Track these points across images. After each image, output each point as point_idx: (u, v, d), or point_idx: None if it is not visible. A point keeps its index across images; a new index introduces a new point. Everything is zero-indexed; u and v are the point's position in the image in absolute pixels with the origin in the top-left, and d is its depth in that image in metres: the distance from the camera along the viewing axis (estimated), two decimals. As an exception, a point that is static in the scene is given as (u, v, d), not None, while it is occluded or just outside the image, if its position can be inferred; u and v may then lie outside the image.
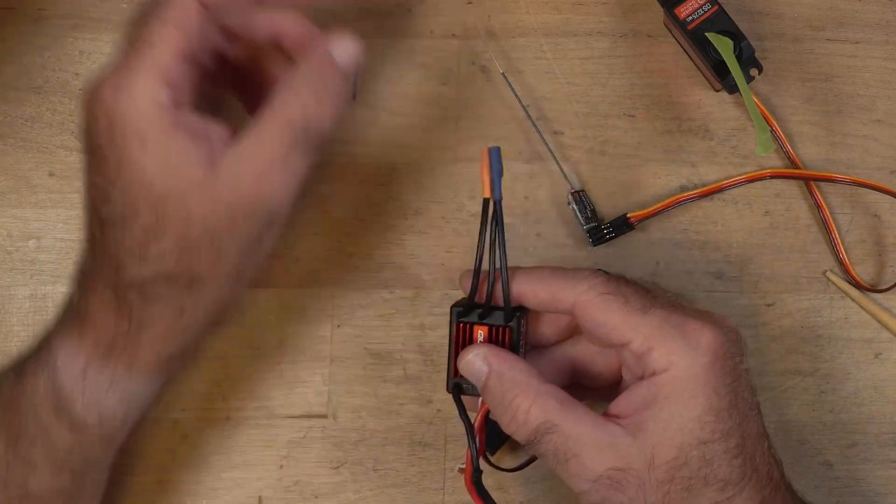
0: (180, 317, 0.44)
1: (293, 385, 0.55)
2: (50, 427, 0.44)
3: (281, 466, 0.54)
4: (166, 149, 0.41)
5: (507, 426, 0.44)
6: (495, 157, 0.43)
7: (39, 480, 0.44)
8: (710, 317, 0.44)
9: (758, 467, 0.42)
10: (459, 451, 0.54)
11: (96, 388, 0.44)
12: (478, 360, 0.45)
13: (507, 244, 0.52)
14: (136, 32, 0.43)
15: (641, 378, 0.43)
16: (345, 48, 0.45)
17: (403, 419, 0.54)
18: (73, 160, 0.56)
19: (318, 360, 0.55)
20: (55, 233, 0.55)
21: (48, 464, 0.44)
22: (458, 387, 0.46)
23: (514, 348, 0.45)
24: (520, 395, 0.43)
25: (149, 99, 0.41)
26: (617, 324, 0.43)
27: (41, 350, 0.45)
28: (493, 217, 0.44)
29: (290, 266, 0.55)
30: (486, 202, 0.44)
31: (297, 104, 0.43)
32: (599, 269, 0.45)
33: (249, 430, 0.54)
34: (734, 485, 0.41)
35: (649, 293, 0.44)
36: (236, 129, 0.44)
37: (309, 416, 0.54)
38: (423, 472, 0.54)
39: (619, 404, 0.43)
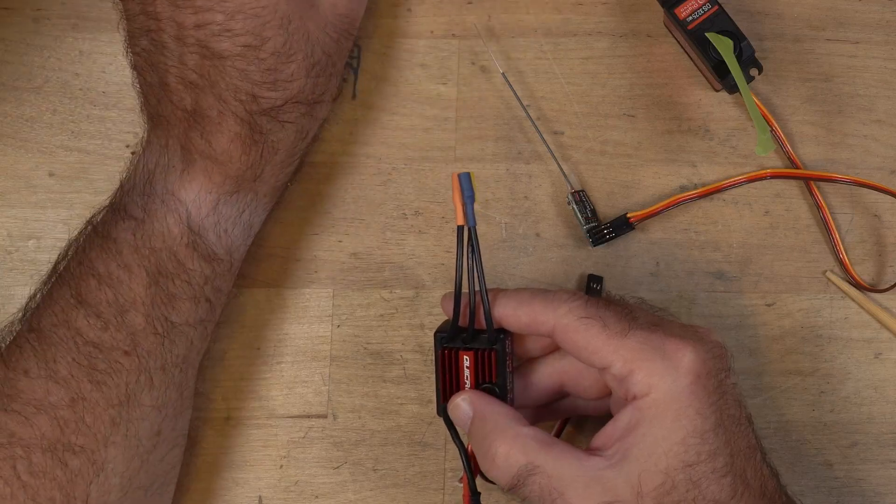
0: (301, 140, 0.48)
1: (293, 385, 0.55)
2: (187, 262, 0.47)
3: (281, 466, 0.54)
4: None
5: (489, 472, 0.44)
6: (465, 182, 0.43)
7: (181, 312, 0.47)
8: (693, 333, 0.44)
9: (749, 482, 0.42)
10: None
11: (226, 220, 0.48)
12: (463, 405, 0.45)
13: (504, 243, 0.53)
14: None
15: (625, 401, 0.43)
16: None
17: (403, 419, 0.54)
18: (72, 160, 0.56)
19: (318, 359, 0.55)
20: (55, 233, 0.55)
21: (189, 297, 0.47)
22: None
23: (500, 369, 0.45)
24: (498, 438, 0.43)
25: None
26: (597, 348, 0.43)
27: (167, 196, 0.47)
28: (468, 243, 0.44)
29: (290, 266, 0.55)
30: (460, 229, 0.44)
31: None
32: (580, 290, 0.45)
33: (249, 430, 0.54)
34: None
35: (629, 314, 0.44)
36: None
37: (309, 416, 0.54)
38: (423, 472, 0.54)
39: (603, 435, 0.43)
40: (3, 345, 0.46)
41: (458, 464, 0.54)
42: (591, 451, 0.43)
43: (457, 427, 0.46)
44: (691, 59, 0.56)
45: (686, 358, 0.42)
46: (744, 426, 0.43)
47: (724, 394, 0.42)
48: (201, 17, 0.45)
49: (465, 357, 0.46)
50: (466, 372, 0.46)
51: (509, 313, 0.45)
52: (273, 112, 0.46)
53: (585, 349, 0.43)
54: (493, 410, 0.44)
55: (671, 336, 0.43)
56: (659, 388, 0.41)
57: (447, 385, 0.47)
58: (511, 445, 0.43)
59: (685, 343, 0.42)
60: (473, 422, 0.45)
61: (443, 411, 0.47)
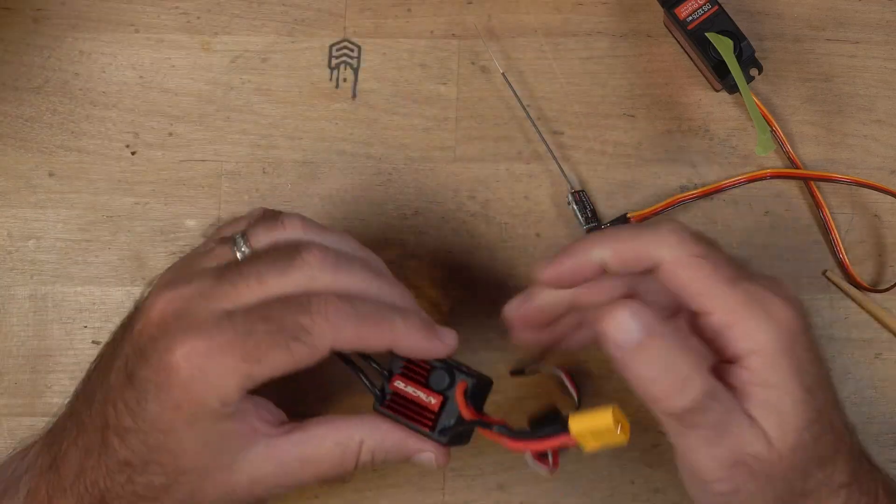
0: None
1: (293, 385, 0.54)
2: None
3: (281, 466, 0.54)
4: (211, 433, 0.41)
5: (662, 390, 0.39)
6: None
7: None
8: (784, 288, 0.41)
9: (843, 437, 0.41)
10: (459, 451, 0.54)
11: None
12: (634, 320, 0.39)
13: (504, 243, 0.53)
14: (270, 334, 0.41)
15: (722, 356, 0.40)
16: (427, 461, 0.45)
17: (403, 419, 0.54)
18: (72, 160, 0.56)
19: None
20: (55, 233, 0.55)
21: None
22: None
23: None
24: (683, 357, 0.39)
25: (218, 399, 0.41)
26: (702, 290, 0.40)
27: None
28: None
29: (290, 266, 0.55)
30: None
31: (352, 459, 0.44)
32: (679, 222, 0.42)
33: (249, 430, 0.54)
34: (832, 459, 0.40)
35: (736, 262, 0.41)
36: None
37: (309, 416, 0.54)
38: (423, 472, 0.54)
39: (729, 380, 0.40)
40: None
41: (458, 464, 0.54)
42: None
43: (611, 348, 0.40)
44: (691, 59, 0.56)
45: (785, 313, 0.40)
46: (830, 379, 0.42)
47: (816, 348, 0.41)
48: (118, 406, 0.42)
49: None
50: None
51: (612, 252, 0.42)
52: None
53: (688, 289, 0.40)
54: (669, 327, 0.40)
55: (771, 291, 0.40)
56: (766, 344, 0.39)
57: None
58: (695, 366, 0.39)
59: (785, 299, 0.40)
60: (647, 342, 0.39)
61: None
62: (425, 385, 0.45)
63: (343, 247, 0.45)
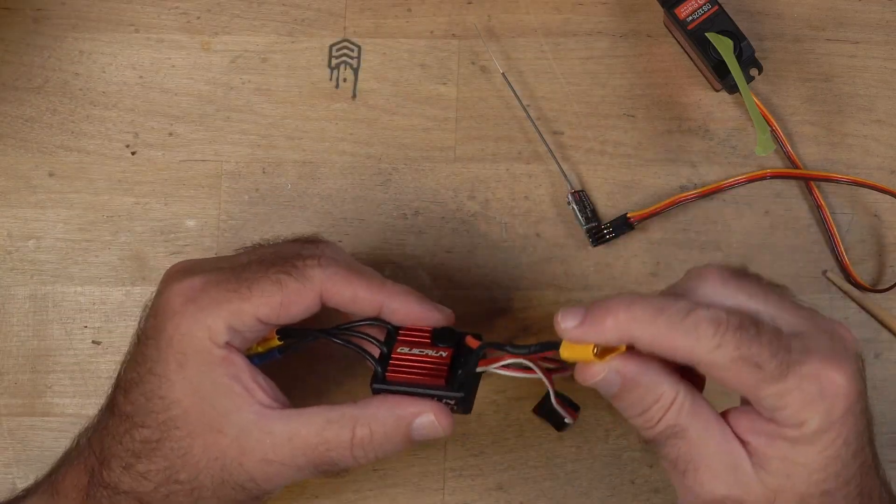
0: None
1: (293, 385, 0.54)
2: None
3: (281, 466, 0.54)
4: (201, 379, 0.41)
5: (639, 424, 0.41)
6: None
7: None
8: (842, 347, 0.40)
9: (871, 495, 0.41)
10: (459, 450, 0.54)
11: None
12: (610, 377, 0.40)
13: (504, 243, 0.53)
14: (260, 269, 0.42)
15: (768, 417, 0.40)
16: (428, 423, 0.43)
17: (403, 419, 0.54)
18: (72, 160, 0.56)
19: (318, 359, 0.54)
20: (55, 233, 0.55)
21: None
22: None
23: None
24: (659, 399, 0.40)
25: (207, 330, 0.41)
26: (750, 388, 0.39)
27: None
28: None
29: (290, 266, 0.55)
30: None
31: (346, 435, 0.42)
32: (718, 310, 0.39)
33: (249, 430, 0.54)
34: None
35: (784, 347, 0.39)
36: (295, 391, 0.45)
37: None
38: (423, 472, 0.54)
39: (742, 424, 0.40)
40: None
41: (457, 463, 0.54)
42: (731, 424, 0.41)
43: (601, 392, 0.41)
44: (691, 59, 0.56)
45: (842, 388, 0.39)
46: (870, 442, 0.42)
47: (866, 414, 0.41)
48: (127, 369, 0.44)
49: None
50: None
51: (645, 342, 0.39)
52: (113, 492, 0.43)
53: (737, 388, 0.39)
54: (646, 371, 0.40)
55: (825, 362, 0.39)
56: (811, 423, 0.39)
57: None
58: (671, 406, 0.40)
59: (840, 370, 0.39)
60: (624, 390, 0.40)
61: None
62: (430, 343, 0.44)
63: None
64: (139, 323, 0.45)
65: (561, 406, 0.45)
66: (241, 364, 0.42)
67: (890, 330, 0.54)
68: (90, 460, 0.44)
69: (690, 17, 0.53)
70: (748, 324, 0.39)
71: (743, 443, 0.40)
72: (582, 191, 0.55)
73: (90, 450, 0.44)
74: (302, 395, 0.54)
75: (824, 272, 0.55)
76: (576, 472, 0.54)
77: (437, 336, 0.44)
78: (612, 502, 0.54)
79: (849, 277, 0.54)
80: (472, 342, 0.44)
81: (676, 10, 0.53)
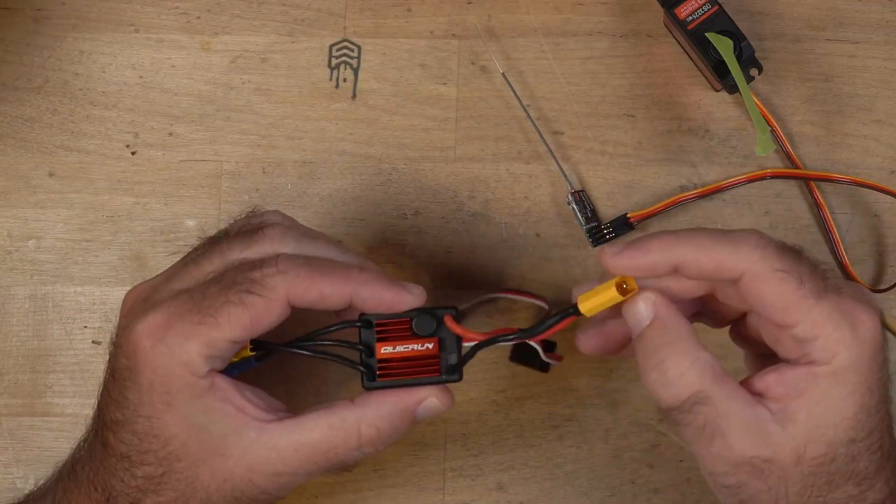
0: None
1: (293, 385, 0.55)
2: None
3: (281, 466, 0.54)
4: (192, 412, 0.41)
5: (655, 383, 0.41)
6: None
7: None
8: (865, 298, 0.41)
9: (889, 454, 0.41)
10: (459, 450, 0.54)
11: None
12: (643, 305, 0.41)
13: (504, 243, 0.52)
14: (221, 292, 0.41)
15: (796, 361, 0.40)
16: (433, 406, 0.43)
17: (403, 419, 0.54)
18: (72, 160, 0.56)
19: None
20: (55, 233, 0.55)
21: None
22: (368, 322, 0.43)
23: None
24: (678, 355, 0.40)
25: (186, 367, 0.41)
26: (787, 305, 0.39)
27: None
28: None
29: (290, 266, 0.55)
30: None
31: (353, 439, 0.42)
32: (761, 233, 0.41)
33: (249, 430, 0.54)
34: (870, 478, 0.40)
35: (822, 272, 0.40)
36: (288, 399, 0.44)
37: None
38: (422, 472, 0.54)
39: (768, 381, 0.40)
40: None
41: (457, 463, 0.54)
42: (753, 391, 0.41)
43: (629, 322, 0.42)
44: (691, 59, 0.56)
45: (871, 330, 0.40)
46: (887, 397, 0.42)
47: (887, 364, 0.41)
48: (108, 406, 0.43)
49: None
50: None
51: (690, 259, 0.40)
52: None
53: (774, 304, 0.40)
54: (678, 322, 0.41)
55: (857, 301, 0.40)
56: (842, 359, 0.39)
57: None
58: (690, 367, 0.40)
59: (869, 313, 0.40)
60: (652, 327, 0.41)
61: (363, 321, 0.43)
62: (412, 336, 0.43)
63: (315, 236, 0.45)
64: (109, 358, 0.43)
65: (550, 357, 0.46)
66: (226, 386, 0.42)
67: (890, 330, 0.54)
68: (94, 495, 0.43)
69: (690, 17, 0.53)
70: (789, 247, 0.40)
71: (770, 399, 0.40)
72: (582, 191, 0.55)
73: (91, 486, 0.43)
74: (304, 395, 0.54)
75: (824, 272, 0.55)
76: (576, 472, 0.54)
77: (418, 327, 0.43)
78: (612, 502, 0.54)
79: (849, 277, 0.54)
80: (469, 335, 0.43)
81: (676, 10, 0.53)
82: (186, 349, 0.40)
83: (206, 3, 0.57)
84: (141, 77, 0.56)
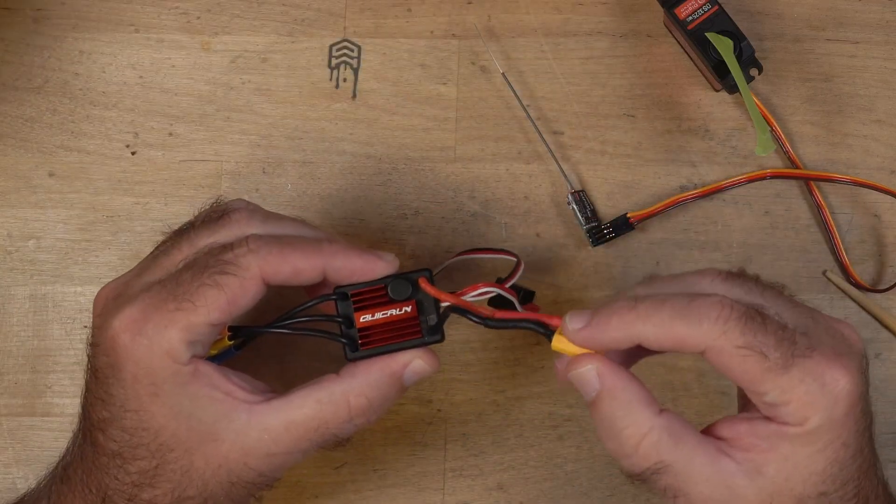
0: None
1: (294, 385, 0.54)
2: None
3: (281, 466, 0.54)
4: (179, 400, 0.41)
5: (613, 453, 0.41)
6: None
7: None
8: (846, 346, 0.41)
9: (868, 497, 0.41)
10: (459, 450, 0.54)
11: None
12: (590, 375, 0.41)
13: (505, 243, 0.53)
14: (195, 276, 0.41)
15: (767, 418, 0.40)
16: (419, 368, 0.43)
17: (403, 419, 0.54)
18: (72, 160, 0.56)
19: (319, 360, 0.55)
20: (55, 233, 0.55)
21: None
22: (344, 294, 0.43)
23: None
24: (631, 426, 0.40)
25: (168, 356, 0.41)
26: (753, 379, 0.39)
27: None
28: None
29: (290, 266, 0.55)
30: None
31: (343, 411, 0.42)
32: (722, 296, 0.40)
33: (249, 430, 0.54)
34: None
35: (789, 339, 0.39)
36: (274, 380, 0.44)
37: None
38: (422, 472, 0.54)
39: (738, 430, 0.40)
40: None
41: (457, 463, 0.54)
42: (719, 437, 0.41)
43: (581, 392, 0.41)
44: (691, 59, 0.56)
45: (844, 388, 0.39)
46: (870, 441, 0.42)
47: (867, 416, 0.41)
48: (93, 405, 0.43)
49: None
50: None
51: (650, 337, 0.40)
52: None
53: (741, 378, 0.39)
54: (626, 388, 0.40)
55: (829, 360, 0.39)
56: (812, 421, 0.39)
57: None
58: (645, 437, 0.40)
59: (844, 369, 0.39)
60: (602, 398, 0.41)
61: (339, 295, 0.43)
62: (389, 301, 0.43)
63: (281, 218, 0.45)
64: (88, 359, 0.43)
65: (527, 308, 0.45)
66: (210, 371, 0.42)
67: (890, 330, 0.54)
68: (89, 497, 0.43)
69: (690, 17, 0.53)
70: (753, 313, 0.39)
71: (738, 449, 0.40)
72: (582, 191, 0.55)
73: (85, 487, 0.43)
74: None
75: (824, 272, 0.55)
76: (576, 472, 0.54)
77: (394, 292, 0.43)
78: (612, 502, 0.54)
79: (849, 277, 0.54)
80: (446, 297, 0.42)
81: (676, 10, 0.53)
82: (167, 337, 0.40)
83: (206, 3, 0.57)
84: (141, 77, 0.56)
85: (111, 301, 0.43)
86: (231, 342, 0.44)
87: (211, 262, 0.41)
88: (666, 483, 0.40)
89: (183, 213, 0.55)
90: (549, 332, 0.42)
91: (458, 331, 0.54)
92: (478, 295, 0.43)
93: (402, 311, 0.43)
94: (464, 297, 0.43)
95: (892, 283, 0.54)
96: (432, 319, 0.43)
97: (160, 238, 0.55)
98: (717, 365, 0.40)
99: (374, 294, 0.43)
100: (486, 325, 0.43)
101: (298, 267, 0.42)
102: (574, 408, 0.54)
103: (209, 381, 0.41)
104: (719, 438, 0.41)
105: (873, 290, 0.54)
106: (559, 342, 0.42)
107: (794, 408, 0.39)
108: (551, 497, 0.54)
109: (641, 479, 0.41)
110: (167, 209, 0.56)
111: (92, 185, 0.56)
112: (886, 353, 0.54)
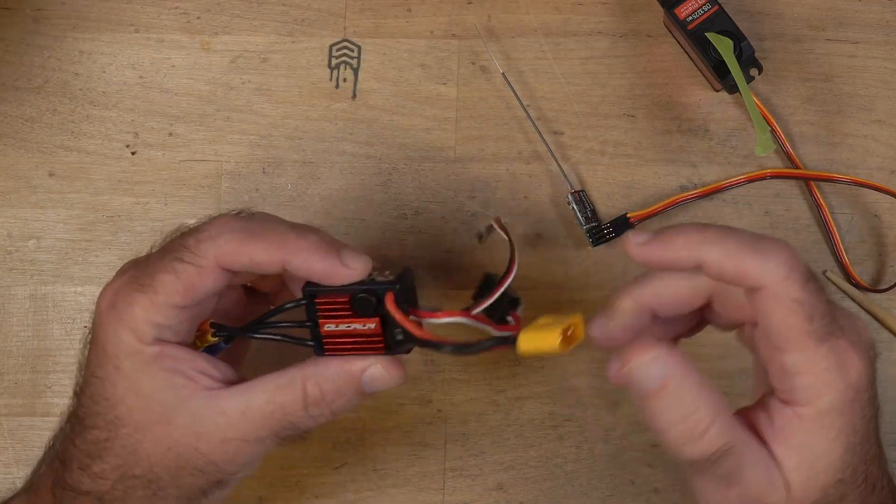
0: None
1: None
2: None
3: (281, 466, 0.54)
4: (139, 378, 0.41)
5: (677, 440, 0.39)
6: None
7: None
8: (857, 333, 0.40)
9: (875, 485, 0.41)
10: (459, 450, 0.54)
11: None
12: (656, 364, 0.39)
13: (505, 243, 0.53)
14: (158, 259, 0.42)
15: (782, 394, 0.40)
16: (378, 376, 0.42)
17: (403, 419, 0.54)
18: (72, 160, 0.56)
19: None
20: (55, 233, 0.55)
21: None
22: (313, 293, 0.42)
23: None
24: (702, 408, 0.39)
25: (132, 332, 0.41)
26: (790, 337, 0.39)
27: None
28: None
29: (290, 266, 0.55)
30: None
31: (299, 396, 0.42)
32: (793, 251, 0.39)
33: (249, 430, 0.54)
34: None
35: (832, 314, 0.39)
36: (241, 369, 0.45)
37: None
38: (422, 472, 0.54)
39: (759, 421, 0.40)
40: None
41: (458, 463, 0.54)
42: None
43: (635, 390, 0.39)
44: (691, 59, 0.56)
45: (857, 373, 0.39)
46: (876, 431, 0.42)
47: (872, 400, 0.41)
48: (80, 373, 0.44)
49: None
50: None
51: (714, 261, 0.39)
52: (75, 495, 0.43)
53: (779, 328, 0.39)
54: (692, 373, 0.39)
55: (851, 345, 0.39)
56: (825, 401, 0.39)
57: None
58: (713, 422, 0.39)
59: (860, 354, 0.39)
60: (667, 388, 0.39)
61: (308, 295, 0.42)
62: (353, 315, 0.41)
63: None
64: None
65: (503, 329, 0.42)
66: (179, 355, 0.42)
67: (890, 330, 0.54)
68: (55, 464, 0.44)
69: (690, 17, 0.53)
70: (814, 276, 0.39)
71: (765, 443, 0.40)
72: (582, 191, 0.55)
73: (55, 452, 0.44)
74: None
75: (824, 272, 0.55)
76: (576, 472, 0.54)
77: (357, 307, 0.41)
78: (611, 502, 0.54)
79: (849, 277, 0.54)
80: (410, 328, 0.40)
81: (676, 10, 0.53)
82: (132, 314, 0.41)
83: (206, 3, 0.57)
84: (141, 77, 0.56)
85: (116, 274, 0.44)
86: (215, 339, 0.44)
87: (174, 246, 0.42)
88: (730, 467, 0.39)
89: (183, 213, 0.55)
90: (512, 339, 0.40)
91: (458, 331, 0.54)
92: (445, 323, 0.41)
93: (366, 327, 0.41)
94: (436, 320, 0.41)
95: (892, 283, 0.54)
96: (399, 334, 0.41)
97: (160, 238, 0.55)
98: (764, 308, 0.39)
99: (338, 304, 0.41)
100: (451, 354, 0.41)
101: (255, 258, 0.41)
102: (574, 408, 0.54)
103: (174, 365, 0.42)
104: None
105: (873, 290, 0.54)
106: (526, 343, 0.39)
107: (811, 382, 0.39)
108: (551, 497, 0.54)
109: (705, 465, 0.39)
110: (167, 209, 0.56)
111: (92, 185, 0.56)
112: (886, 353, 0.54)
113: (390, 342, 0.41)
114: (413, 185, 0.56)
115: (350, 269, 0.41)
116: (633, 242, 0.40)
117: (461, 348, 0.40)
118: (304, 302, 0.42)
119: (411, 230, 0.55)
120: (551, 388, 0.54)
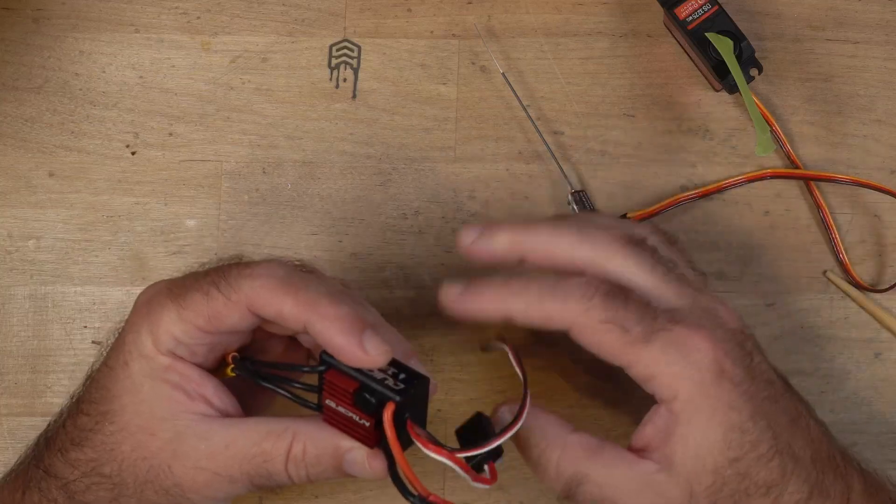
0: None
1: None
2: None
3: (281, 466, 0.54)
4: (142, 383, 0.42)
5: (539, 477, 0.43)
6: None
7: None
8: (713, 319, 0.42)
9: (798, 455, 0.41)
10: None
11: None
12: (507, 415, 0.43)
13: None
14: (201, 277, 0.42)
15: (662, 408, 0.42)
16: (359, 462, 0.42)
17: (403, 419, 0.54)
18: (72, 160, 0.56)
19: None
20: (55, 233, 0.55)
21: None
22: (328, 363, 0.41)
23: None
24: (548, 448, 0.42)
25: (151, 336, 0.42)
26: (616, 352, 0.41)
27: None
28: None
29: (290, 266, 0.55)
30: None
31: (284, 448, 0.41)
32: (592, 278, 0.42)
33: (249, 430, 0.54)
34: (777, 485, 0.41)
35: (651, 313, 0.41)
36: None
37: (309, 416, 0.54)
38: (423, 472, 0.54)
39: (643, 437, 0.42)
40: None
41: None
42: (635, 450, 0.42)
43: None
44: (691, 59, 0.56)
45: (707, 355, 0.40)
46: (782, 399, 0.42)
47: (755, 378, 0.41)
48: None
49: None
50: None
51: (519, 312, 0.42)
52: (57, 480, 0.43)
53: (606, 352, 0.41)
54: (539, 418, 0.43)
55: (690, 331, 0.41)
56: (684, 390, 0.40)
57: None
58: (561, 455, 0.42)
59: (705, 338, 0.41)
60: (520, 432, 0.43)
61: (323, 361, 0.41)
62: (352, 404, 0.40)
63: None
64: None
65: (479, 480, 0.42)
66: (188, 373, 0.42)
67: (890, 330, 0.54)
68: (40, 441, 0.45)
69: (690, 17, 0.53)
70: (617, 290, 0.41)
71: (653, 451, 0.41)
72: (582, 191, 0.55)
73: (45, 432, 0.45)
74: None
75: (824, 272, 0.55)
76: (576, 472, 0.54)
77: (357, 401, 0.40)
78: (612, 502, 0.54)
79: (849, 277, 0.54)
80: (395, 454, 0.40)
81: (676, 10, 0.53)
82: (159, 318, 0.42)
83: (206, 3, 0.57)
84: (141, 77, 0.56)
85: (161, 281, 0.45)
86: (232, 374, 0.44)
87: (218, 273, 0.42)
88: (591, 494, 0.41)
89: (183, 213, 0.55)
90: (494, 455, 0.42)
91: (455, 331, 0.54)
92: (429, 455, 0.41)
93: (361, 421, 0.41)
94: (423, 448, 0.41)
95: (892, 283, 0.54)
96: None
97: (160, 238, 0.55)
98: (584, 341, 0.42)
99: (343, 386, 0.40)
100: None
101: (283, 313, 0.41)
102: (574, 408, 0.54)
103: (179, 381, 0.42)
104: (640, 450, 0.42)
105: (873, 290, 0.54)
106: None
107: (663, 381, 0.41)
108: (551, 497, 0.54)
109: (569, 496, 0.42)
110: (167, 209, 0.56)
111: (92, 185, 0.56)
112: (886, 353, 0.54)
113: (381, 441, 0.41)
114: (413, 185, 0.56)
115: (366, 356, 0.40)
116: (449, 297, 0.43)
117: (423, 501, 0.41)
118: (319, 369, 0.41)
119: (411, 230, 0.55)
120: (551, 388, 0.54)
